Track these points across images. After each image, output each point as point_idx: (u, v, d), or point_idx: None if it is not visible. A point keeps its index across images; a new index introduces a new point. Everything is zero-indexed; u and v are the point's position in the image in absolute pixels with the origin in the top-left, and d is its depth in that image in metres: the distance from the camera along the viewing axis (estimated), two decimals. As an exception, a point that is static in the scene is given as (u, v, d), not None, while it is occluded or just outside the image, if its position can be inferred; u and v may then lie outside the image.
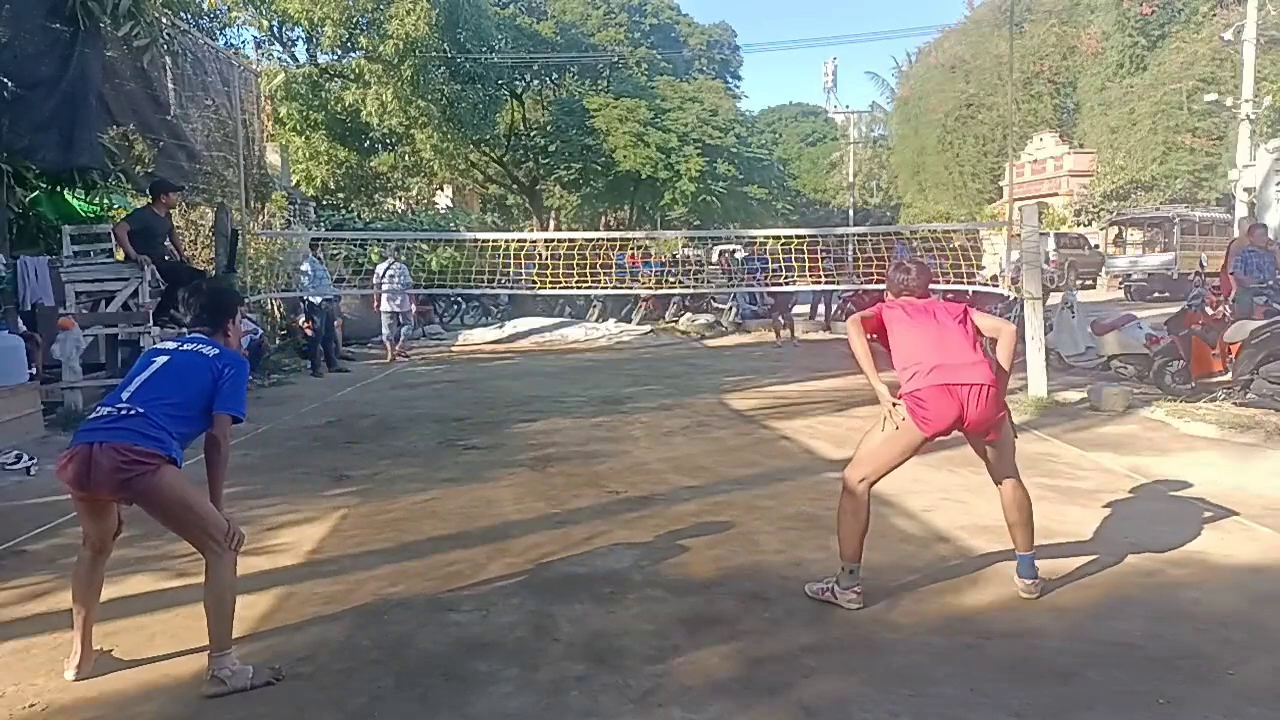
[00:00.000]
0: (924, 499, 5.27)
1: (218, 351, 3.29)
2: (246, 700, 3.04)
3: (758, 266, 16.13)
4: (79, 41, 8.44)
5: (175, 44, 10.80)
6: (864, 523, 3.73)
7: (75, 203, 10.45)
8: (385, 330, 13.84)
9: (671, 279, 16.81)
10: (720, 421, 8.14)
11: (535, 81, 31.94)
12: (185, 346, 3.32)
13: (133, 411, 3.08)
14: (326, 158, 22.85)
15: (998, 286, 11.15)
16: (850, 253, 16.16)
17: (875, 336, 3.88)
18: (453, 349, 15.93)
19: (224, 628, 3.09)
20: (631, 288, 16.91)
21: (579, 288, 13.78)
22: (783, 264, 14.71)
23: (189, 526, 3.14)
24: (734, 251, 21.03)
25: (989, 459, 3.90)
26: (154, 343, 8.28)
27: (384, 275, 13.56)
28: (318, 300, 12.48)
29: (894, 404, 3.71)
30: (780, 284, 14.33)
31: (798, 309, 18.58)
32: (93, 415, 3.17)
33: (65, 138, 8.54)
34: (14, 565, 4.43)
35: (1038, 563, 3.85)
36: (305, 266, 12.82)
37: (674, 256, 21.83)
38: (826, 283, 14.45)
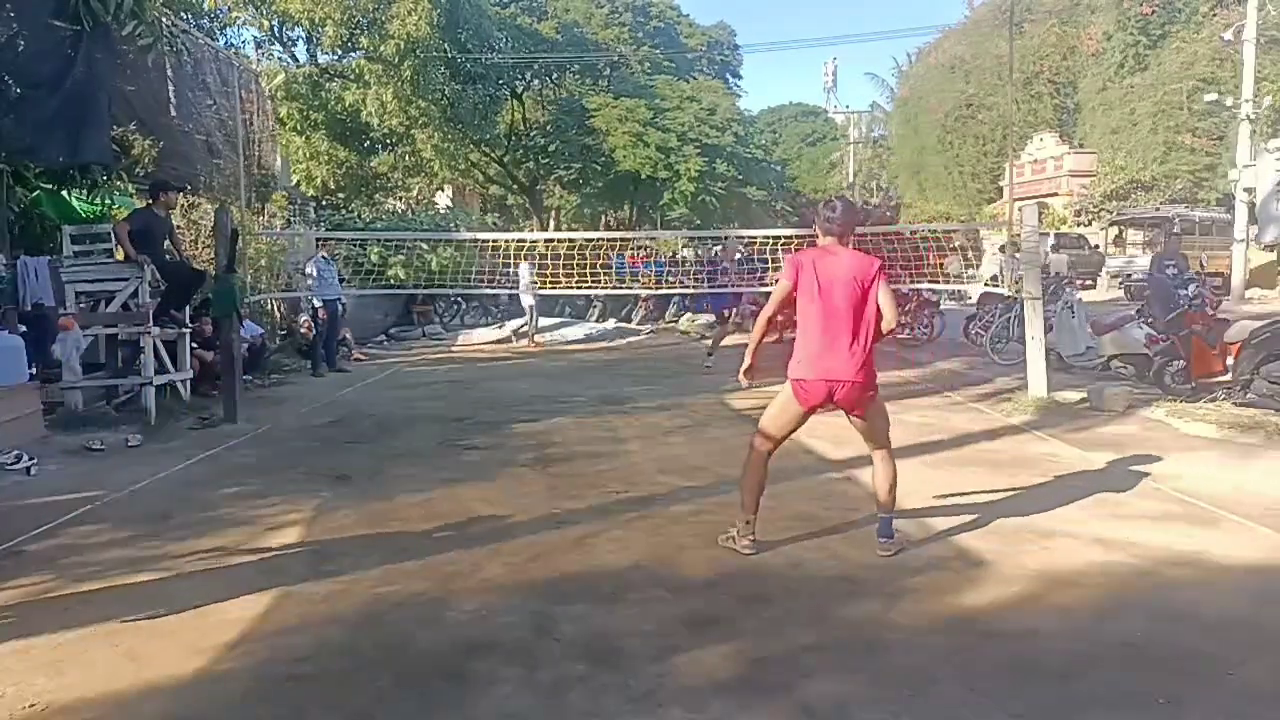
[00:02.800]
0: (924, 499, 5.27)
1: None
2: (246, 700, 3.04)
3: (758, 266, 16.11)
4: (83, 41, 8.43)
5: (176, 43, 10.79)
6: (761, 482, 4.45)
7: (75, 203, 10.44)
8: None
9: (671, 279, 16.80)
10: (720, 421, 8.14)
11: (536, 81, 31.90)
12: None
13: None
14: (327, 158, 22.82)
15: (998, 286, 11.15)
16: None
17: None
18: (452, 349, 15.93)
19: None
20: (631, 288, 16.91)
21: (579, 288, 13.78)
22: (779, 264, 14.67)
23: None
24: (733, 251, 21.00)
25: (859, 430, 4.55)
26: (155, 342, 8.33)
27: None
28: (319, 302, 12.48)
29: (748, 384, 4.68)
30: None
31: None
32: None
33: (71, 136, 8.52)
34: (14, 565, 4.43)
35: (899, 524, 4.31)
36: (309, 268, 12.79)
37: (674, 256, 21.83)
38: None
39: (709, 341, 15.12)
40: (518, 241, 15.73)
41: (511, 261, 14.35)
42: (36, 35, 8.36)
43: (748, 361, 4.59)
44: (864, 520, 4.94)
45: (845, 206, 4.48)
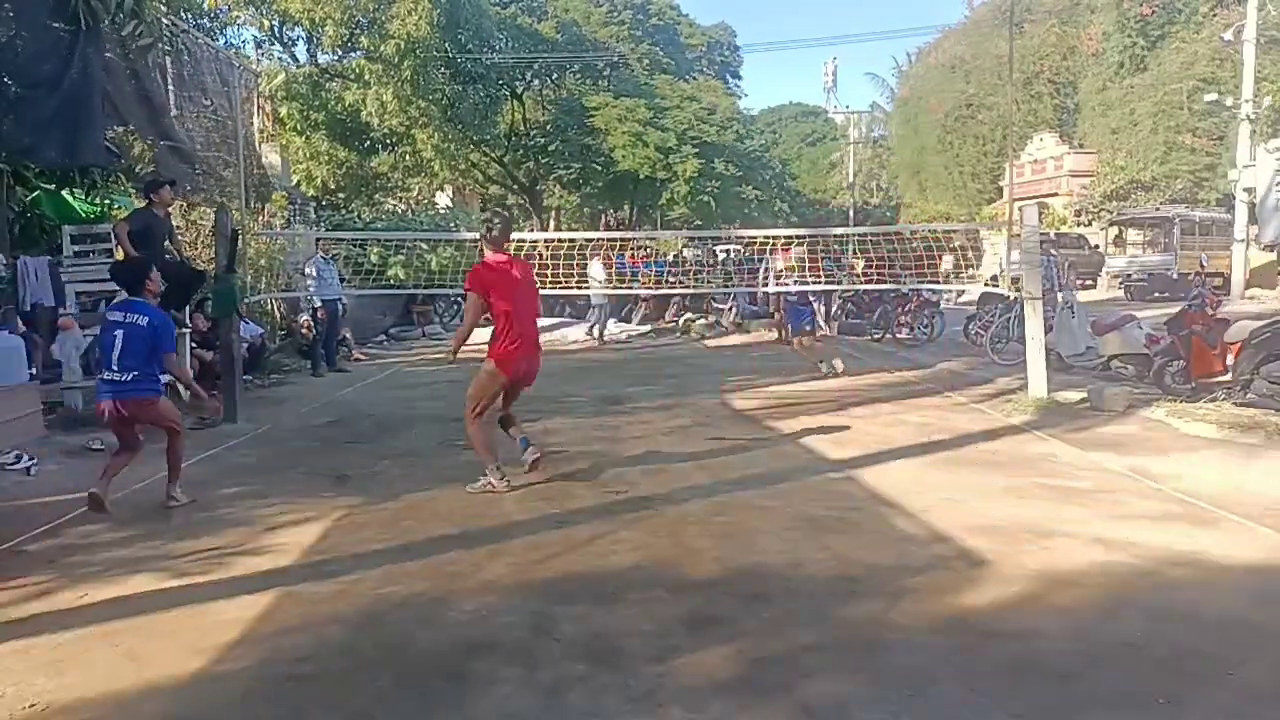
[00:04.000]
0: (924, 499, 5.27)
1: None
2: (246, 700, 3.04)
3: (758, 266, 16.13)
4: (81, 41, 8.43)
5: (176, 43, 10.79)
6: (489, 435, 5.74)
7: (75, 203, 10.44)
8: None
9: (671, 279, 16.80)
10: (721, 421, 8.13)
11: (536, 81, 31.91)
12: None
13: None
14: (327, 158, 22.82)
15: (998, 286, 11.16)
16: (850, 252, 16.16)
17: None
18: (453, 349, 15.91)
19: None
20: (631, 287, 16.90)
21: (579, 288, 13.78)
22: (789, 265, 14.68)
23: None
24: (729, 252, 21.05)
25: (510, 398, 5.94)
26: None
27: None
28: (319, 302, 12.47)
29: (452, 363, 6.28)
30: (785, 284, 14.32)
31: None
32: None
33: (69, 137, 8.51)
34: (14, 565, 4.43)
35: None
36: (309, 269, 12.78)
37: (674, 256, 21.83)
38: (826, 283, 14.43)
39: (781, 335, 14.94)
40: (517, 242, 15.70)
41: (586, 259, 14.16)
42: (36, 35, 8.36)
43: (456, 346, 6.08)
44: (864, 520, 4.94)
45: (504, 220, 5.93)
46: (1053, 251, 13.66)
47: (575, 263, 13.14)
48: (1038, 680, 3.08)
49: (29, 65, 8.41)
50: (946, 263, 12.33)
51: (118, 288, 8.51)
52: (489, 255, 5.77)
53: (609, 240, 17.75)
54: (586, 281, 13.47)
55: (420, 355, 14.85)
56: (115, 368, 5.18)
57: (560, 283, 12.93)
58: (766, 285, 14.38)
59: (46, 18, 8.25)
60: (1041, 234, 15.72)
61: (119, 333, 5.22)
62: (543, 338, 17.39)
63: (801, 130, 55.56)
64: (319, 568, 4.32)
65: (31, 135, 8.42)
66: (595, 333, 16.27)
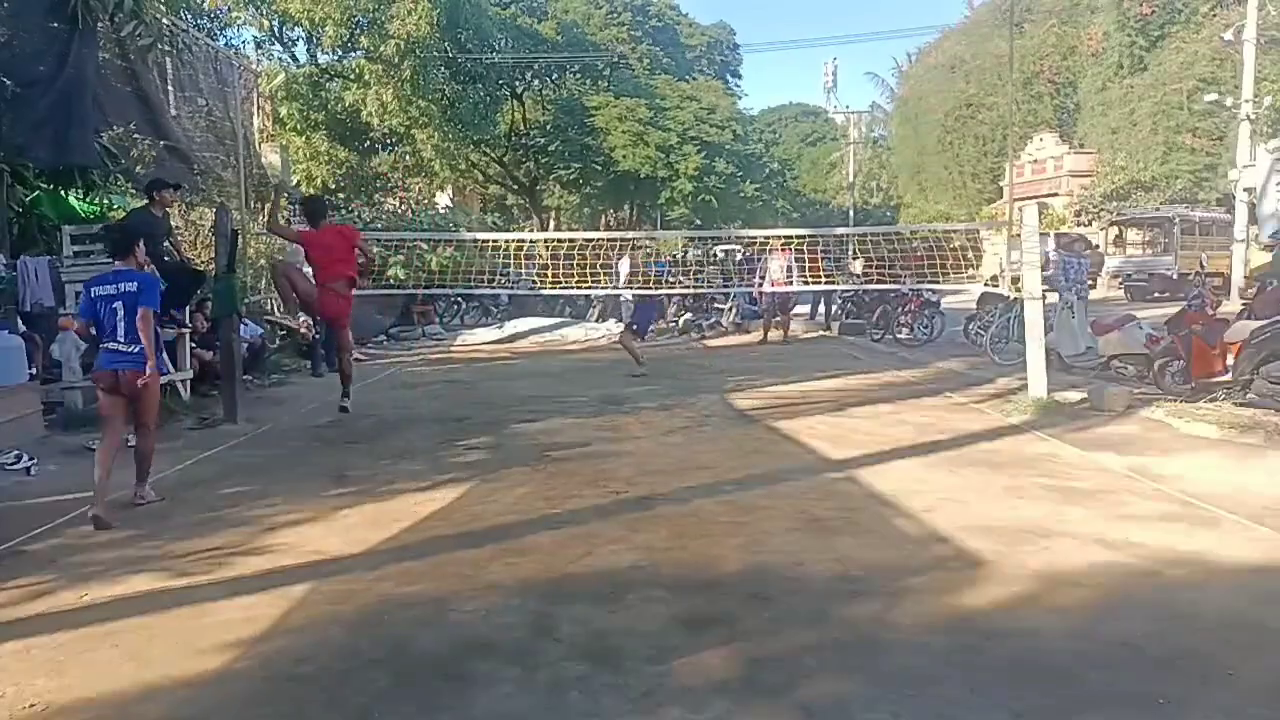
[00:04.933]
0: (924, 499, 5.27)
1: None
2: (246, 700, 3.04)
3: (757, 266, 16.15)
4: (77, 40, 8.43)
5: (176, 43, 10.79)
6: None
7: (75, 203, 10.43)
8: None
9: (671, 279, 16.79)
10: (721, 421, 8.13)
11: (536, 81, 31.92)
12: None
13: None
14: (327, 158, 22.83)
15: (998, 286, 11.15)
16: (850, 253, 16.17)
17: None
18: (452, 349, 15.93)
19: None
20: (631, 287, 16.88)
21: (579, 288, 13.76)
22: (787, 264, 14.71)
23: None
24: (733, 252, 21.03)
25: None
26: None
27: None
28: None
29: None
30: (783, 284, 14.35)
31: (798, 309, 18.59)
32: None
33: (60, 136, 8.51)
34: (14, 565, 4.43)
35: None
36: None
37: (674, 257, 21.82)
38: (826, 283, 14.44)
39: (767, 333, 15.19)
40: (518, 242, 15.71)
41: (511, 262, 14.29)
42: (34, 34, 8.36)
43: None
44: (864, 520, 4.94)
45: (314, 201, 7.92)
46: (1085, 252, 12.98)
47: (575, 263, 13.13)
48: (1038, 680, 3.08)
49: (26, 64, 8.41)
50: (989, 268, 12.40)
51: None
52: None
53: (608, 240, 17.74)
54: (586, 282, 13.45)
55: (420, 355, 14.85)
56: (123, 339, 5.19)
57: (560, 282, 12.92)
58: (763, 285, 14.41)
59: (46, 17, 8.26)
60: (1075, 235, 15.58)
61: (118, 304, 5.21)
62: (543, 337, 17.46)
63: (801, 130, 55.60)
64: (319, 568, 4.32)
65: (26, 134, 8.42)
66: (629, 329, 16.36)
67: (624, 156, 28.43)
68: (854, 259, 15.39)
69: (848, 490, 5.61)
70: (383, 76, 20.87)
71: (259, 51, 22.02)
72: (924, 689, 3.02)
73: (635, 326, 12.20)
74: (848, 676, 3.13)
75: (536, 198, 34.02)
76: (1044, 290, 8.62)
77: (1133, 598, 3.78)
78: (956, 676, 3.11)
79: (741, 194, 31.74)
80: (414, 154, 23.97)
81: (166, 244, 9.13)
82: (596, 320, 18.71)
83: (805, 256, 13.32)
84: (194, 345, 9.44)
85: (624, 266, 15.47)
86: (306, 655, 3.36)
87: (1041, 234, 10.21)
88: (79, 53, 8.46)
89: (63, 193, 10.23)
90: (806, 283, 13.88)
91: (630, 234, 22.18)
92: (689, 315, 18.06)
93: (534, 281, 14.32)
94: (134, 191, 10.58)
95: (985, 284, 12.80)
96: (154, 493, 5.53)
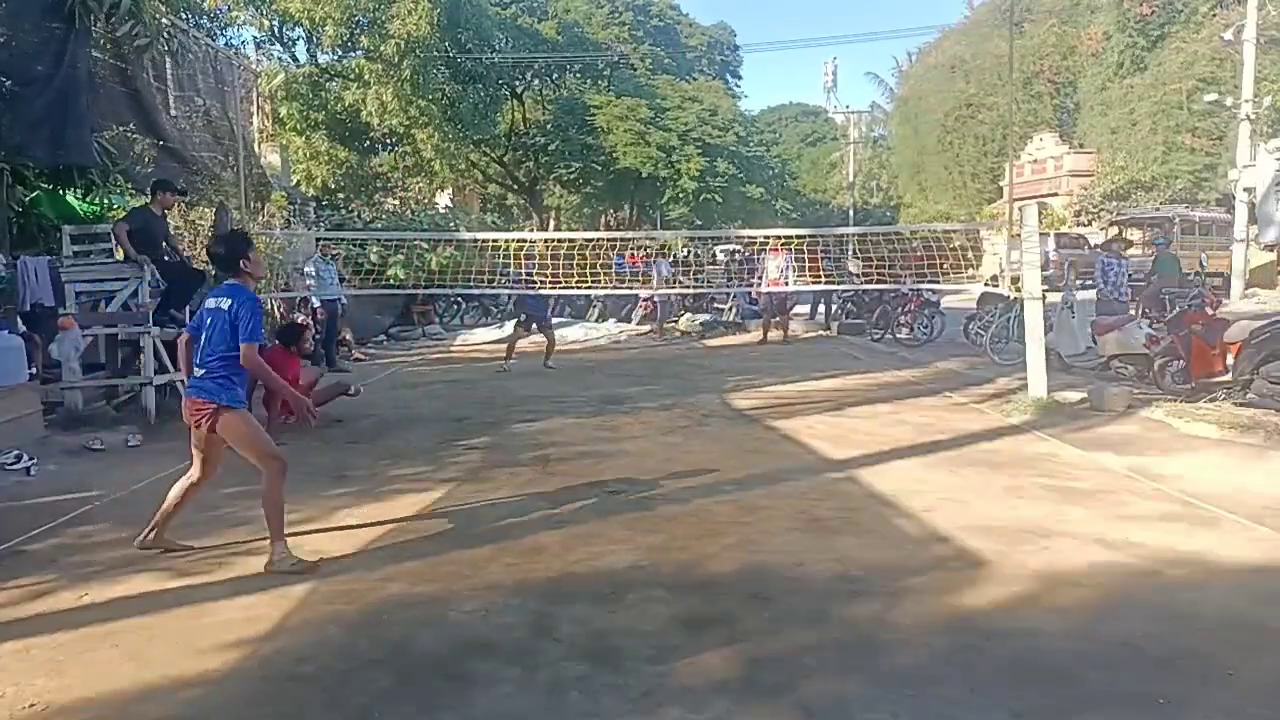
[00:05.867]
0: (924, 499, 5.27)
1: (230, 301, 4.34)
2: (246, 700, 3.04)
3: (756, 266, 16.18)
4: (73, 40, 8.42)
5: (173, 44, 10.78)
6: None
7: (75, 203, 10.43)
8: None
9: (672, 279, 16.81)
10: (720, 421, 8.13)
11: (536, 81, 31.94)
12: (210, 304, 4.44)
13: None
14: (327, 158, 22.84)
15: (998, 286, 11.15)
16: (850, 253, 16.16)
17: None
18: (452, 349, 15.93)
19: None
20: (631, 287, 16.91)
21: (579, 288, 13.77)
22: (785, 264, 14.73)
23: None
24: (734, 252, 21.05)
25: None
26: (155, 342, 8.32)
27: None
28: (318, 302, 12.46)
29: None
30: (780, 283, 14.36)
31: (799, 309, 18.60)
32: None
33: (56, 136, 8.51)
34: (14, 565, 4.43)
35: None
36: (309, 268, 12.77)
37: (675, 257, 21.84)
38: (826, 283, 14.45)
39: (767, 334, 15.35)
40: (518, 242, 15.72)
41: (511, 262, 14.38)
42: (32, 33, 8.36)
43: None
44: (864, 520, 4.94)
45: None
46: (1124, 255, 12.09)
47: (575, 262, 13.14)
48: (1038, 680, 3.08)
49: (24, 63, 8.41)
50: (989, 268, 12.30)
51: (115, 288, 8.61)
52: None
53: (608, 240, 17.75)
54: (587, 282, 13.46)
55: (420, 355, 14.84)
56: (197, 361, 4.46)
57: (560, 282, 12.92)
58: (761, 285, 14.42)
59: (43, 17, 8.26)
60: (1114, 235, 15.31)
61: (208, 320, 4.44)
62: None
63: (801, 130, 55.62)
64: (319, 568, 4.32)
65: (23, 133, 8.42)
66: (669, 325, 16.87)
67: (625, 155, 28.44)
68: (853, 258, 15.38)
69: (848, 490, 5.61)
70: (383, 76, 20.88)
71: (259, 51, 22.04)
72: (924, 689, 3.02)
73: (523, 319, 12.69)
74: (848, 676, 3.13)
75: (536, 197, 34.04)
76: (1044, 290, 8.62)
77: (1133, 598, 3.78)
78: (956, 676, 3.11)
79: (746, 194, 31.76)
80: (414, 154, 23.98)
81: (165, 244, 9.14)
82: (596, 320, 18.70)
83: (805, 256, 13.34)
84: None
85: (663, 268, 15.71)
86: (306, 655, 3.36)
87: (1041, 234, 10.19)
88: (75, 52, 8.46)
89: (62, 192, 10.23)
90: (806, 282, 13.92)
91: (630, 234, 22.21)
92: (689, 315, 18.06)
93: (534, 281, 14.33)
94: (133, 191, 10.58)
95: (985, 284, 12.81)
96: (290, 559, 4.28)
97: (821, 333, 17.27)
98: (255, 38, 22.02)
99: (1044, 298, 8.54)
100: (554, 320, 17.84)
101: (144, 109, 10.16)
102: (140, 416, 8.01)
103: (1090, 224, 31.99)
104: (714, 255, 22.24)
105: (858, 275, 14.48)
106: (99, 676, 3.21)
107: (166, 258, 8.99)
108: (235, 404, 4.39)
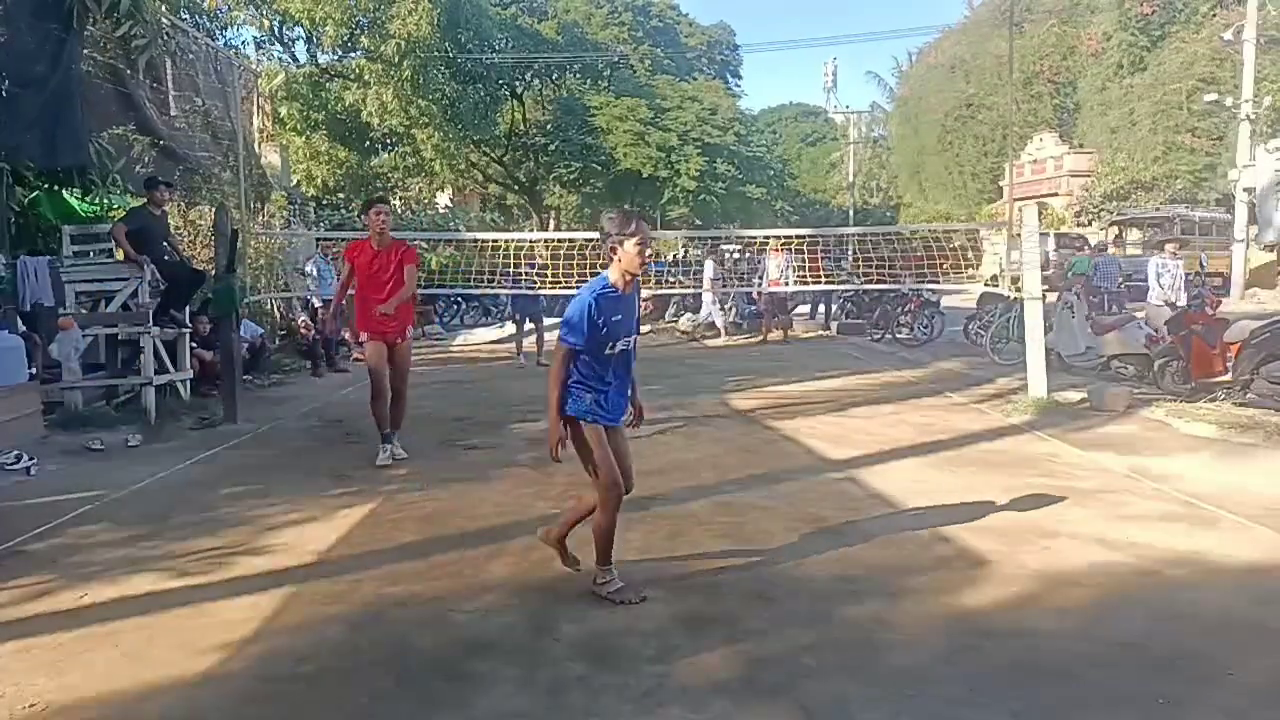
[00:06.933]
0: (924, 499, 5.27)
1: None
2: (246, 700, 3.04)
3: (756, 266, 16.21)
4: (70, 41, 8.42)
5: (173, 44, 10.78)
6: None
7: (75, 203, 10.43)
8: None
9: (671, 279, 16.80)
10: (720, 421, 8.13)
11: (536, 81, 31.93)
12: None
13: None
14: (327, 158, 22.82)
15: (998, 286, 11.15)
16: (850, 253, 16.16)
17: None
18: (452, 349, 15.93)
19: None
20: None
21: (579, 287, 13.76)
22: (783, 264, 14.74)
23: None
24: (733, 253, 21.03)
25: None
26: (155, 342, 8.32)
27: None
28: (319, 302, 12.46)
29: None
30: (779, 284, 14.37)
31: (799, 309, 18.59)
32: None
33: (49, 137, 8.50)
34: (14, 565, 4.43)
35: None
36: (309, 268, 12.77)
37: (675, 257, 21.83)
38: (826, 283, 14.45)
39: (767, 334, 15.53)
40: (517, 242, 15.71)
41: (511, 262, 14.37)
42: (29, 34, 8.36)
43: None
44: (865, 520, 4.94)
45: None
46: (1175, 254, 11.46)
47: (575, 263, 13.13)
48: (1038, 680, 3.08)
49: (22, 64, 8.41)
50: (989, 268, 12.28)
51: (115, 288, 8.61)
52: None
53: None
54: (587, 282, 13.47)
55: (420, 355, 14.83)
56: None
57: (560, 282, 12.92)
58: (761, 285, 14.42)
59: (40, 16, 8.25)
60: (1168, 237, 14.98)
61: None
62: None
63: (801, 130, 55.59)
64: (319, 568, 4.32)
65: (19, 134, 8.42)
66: (719, 324, 16.89)
67: (625, 155, 28.43)
68: (852, 258, 15.40)
69: (848, 490, 5.61)
70: (383, 76, 20.86)
71: (259, 51, 22.05)
72: (924, 689, 3.02)
73: (516, 317, 13.08)
74: (848, 676, 3.13)
75: (536, 197, 34.03)
76: (1044, 290, 8.62)
77: (1133, 598, 3.78)
78: (956, 676, 3.11)
79: (746, 194, 31.75)
80: (414, 154, 23.96)
81: (164, 243, 9.14)
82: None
83: (805, 256, 13.34)
84: (194, 345, 9.44)
85: (709, 269, 15.93)
86: (306, 655, 3.36)
87: (1041, 234, 10.18)
88: (71, 53, 8.45)
89: (62, 193, 10.23)
90: (806, 282, 13.91)
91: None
92: (688, 314, 18.05)
93: (534, 282, 14.32)
94: (133, 191, 10.59)
95: (985, 284, 12.81)
96: (615, 585, 3.83)
97: (821, 333, 17.27)
98: (255, 38, 22.03)
99: (1044, 298, 8.54)
100: (554, 320, 17.87)
101: (131, 107, 10.15)
102: (140, 416, 8.01)
103: (1090, 224, 31.98)
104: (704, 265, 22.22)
105: (850, 272, 14.48)
106: (99, 676, 3.21)
107: (167, 257, 8.99)
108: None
